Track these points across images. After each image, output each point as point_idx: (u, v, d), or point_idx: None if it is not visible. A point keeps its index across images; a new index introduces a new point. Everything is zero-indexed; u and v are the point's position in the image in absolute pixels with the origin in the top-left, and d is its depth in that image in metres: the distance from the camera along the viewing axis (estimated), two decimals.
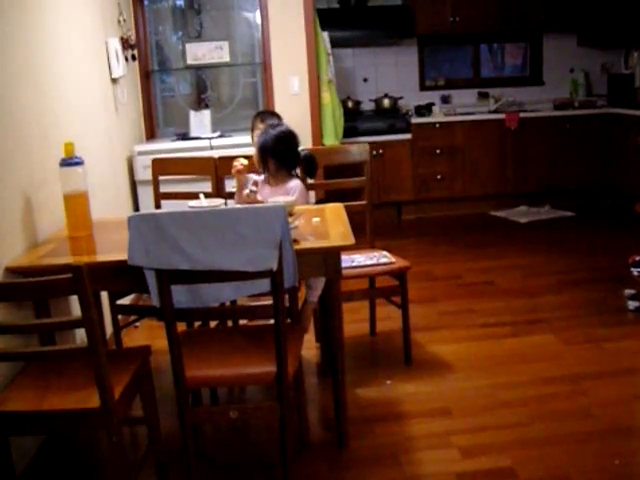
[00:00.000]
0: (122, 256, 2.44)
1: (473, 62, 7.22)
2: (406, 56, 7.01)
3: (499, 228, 6.30)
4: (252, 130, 4.08)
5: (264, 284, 2.28)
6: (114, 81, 4.51)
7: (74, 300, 2.97)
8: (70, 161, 3.00)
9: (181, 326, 2.94)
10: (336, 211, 3.18)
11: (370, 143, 3.99)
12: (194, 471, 2.46)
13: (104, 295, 3.38)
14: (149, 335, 3.95)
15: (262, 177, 3.31)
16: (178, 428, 2.75)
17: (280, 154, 3.17)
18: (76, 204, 3.04)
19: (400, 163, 6.53)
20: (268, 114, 4.21)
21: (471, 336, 3.92)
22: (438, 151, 6.56)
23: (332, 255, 2.65)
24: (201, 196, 3.22)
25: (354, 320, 3.80)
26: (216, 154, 3.96)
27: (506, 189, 6.76)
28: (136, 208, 4.78)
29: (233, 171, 3.25)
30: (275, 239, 2.19)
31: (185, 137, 5.17)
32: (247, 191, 2.98)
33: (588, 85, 7.10)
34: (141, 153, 4.74)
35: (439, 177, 6.61)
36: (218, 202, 3.19)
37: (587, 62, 7.11)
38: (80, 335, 3.23)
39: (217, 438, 3.06)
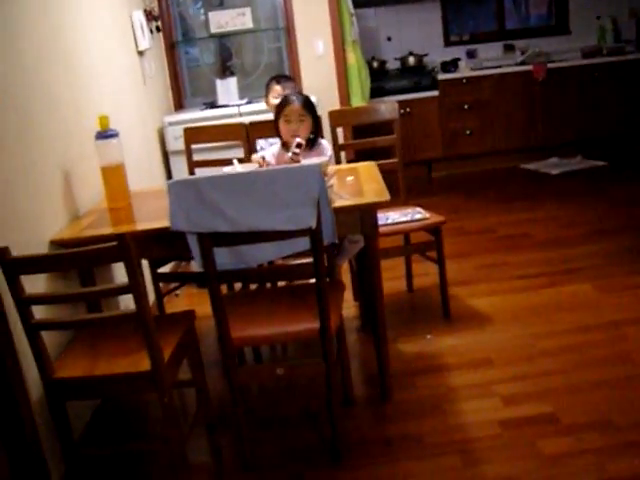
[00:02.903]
0: (161, 224, 2.51)
1: (497, 14, 7.09)
2: (429, 12, 6.91)
3: (530, 181, 6.26)
4: (267, 94, 4.09)
5: (304, 242, 2.32)
6: (140, 54, 4.55)
7: (117, 269, 3.08)
8: (105, 134, 3.05)
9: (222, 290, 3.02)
10: (369, 169, 3.20)
11: (397, 102, 3.98)
12: (245, 429, 2.53)
13: (145, 264, 3.46)
14: (189, 302, 4.04)
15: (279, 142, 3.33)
16: (222, 390, 2.87)
17: (316, 114, 3.20)
18: (113, 176, 3.10)
19: (428, 120, 6.49)
20: (284, 77, 4.22)
21: (508, 288, 3.94)
22: (466, 106, 6.50)
23: (368, 212, 2.68)
24: (235, 162, 3.25)
25: (391, 277, 3.83)
26: (246, 120, 4.00)
27: (536, 141, 6.69)
28: (169, 178, 4.84)
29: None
30: (313, 197, 2.22)
31: (213, 105, 5.19)
32: (290, 154, 2.99)
33: (616, 31, 6.94)
34: (172, 124, 4.79)
35: (468, 132, 6.56)
36: (252, 167, 3.23)
37: (614, 7, 6.94)
38: (124, 303, 3.32)
39: (263, 397, 3.15)
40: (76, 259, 2.22)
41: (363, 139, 4.17)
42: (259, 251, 2.39)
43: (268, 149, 3.48)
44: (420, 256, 3.85)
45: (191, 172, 3.79)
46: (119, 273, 3.23)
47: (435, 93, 6.45)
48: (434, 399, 2.92)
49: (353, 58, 5.45)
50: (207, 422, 2.86)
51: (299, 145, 3.03)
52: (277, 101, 4.04)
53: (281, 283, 3.25)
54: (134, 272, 2.21)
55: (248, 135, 3.68)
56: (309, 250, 2.34)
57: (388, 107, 3.78)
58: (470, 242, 4.75)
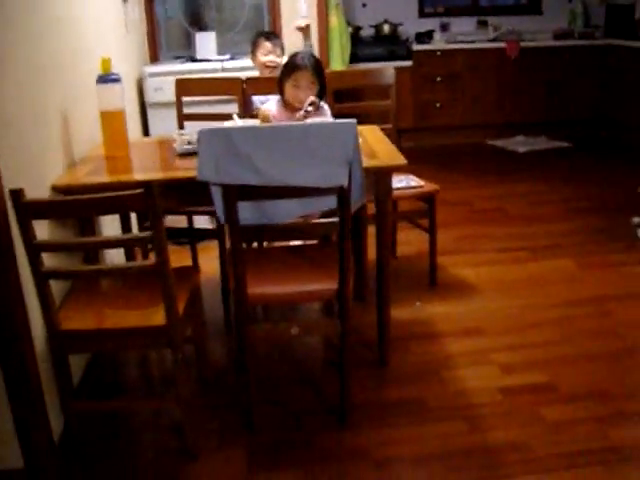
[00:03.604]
0: (158, 175, 2.43)
1: None
2: None
3: (499, 157, 6.34)
4: (254, 51, 3.98)
5: (330, 201, 2.27)
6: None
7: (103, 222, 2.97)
8: (107, 77, 2.92)
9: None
10: (374, 132, 3.17)
11: None
12: (253, 389, 2.49)
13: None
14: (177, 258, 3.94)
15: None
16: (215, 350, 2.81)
17: (324, 78, 3.11)
18: (113, 122, 2.97)
19: (400, 90, 6.40)
20: (272, 34, 4.11)
21: (491, 260, 4.00)
22: (438, 79, 6.52)
23: (384, 175, 2.65)
24: (235, 116, 3.16)
25: (374, 243, 3.82)
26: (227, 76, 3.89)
27: (503, 119, 6.77)
28: (146, 131, 4.70)
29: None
30: (347, 155, 2.17)
31: (194, 59, 5.04)
32: (302, 112, 2.91)
33: (586, 16, 7.06)
34: (152, 75, 4.63)
35: (438, 105, 6.59)
36: (253, 122, 3.15)
37: None
38: (109, 257, 3.21)
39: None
40: (100, 205, 2.12)
41: (350, 103, 4.10)
42: (283, 207, 2.33)
43: (266, 104, 3.36)
44: (408, 223, 3.85)
45: (180, 125, 3.67)
46: (106, 228, 3.13)
47: (408, 63, 6.44)
48: (431, 365, 2.94)
49: (335, 21, 5.37)
50: (203, 379, 2.81)
51: (312, 103, 2.96)
52: (266, 58, 3.95)
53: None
54: (158, 223, 2.12)
55: (244, 91, 3.57)
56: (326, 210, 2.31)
57: (386, 72, 3.74)
58: (448, 213, 4.76)
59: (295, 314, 3.41)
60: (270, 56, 3.93)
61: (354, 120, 2.21)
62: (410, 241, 4.10)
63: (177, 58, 5.40)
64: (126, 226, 3.26)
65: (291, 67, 3.09)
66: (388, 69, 3.76)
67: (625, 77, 6.41)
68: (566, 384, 2.77)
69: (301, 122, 2.62)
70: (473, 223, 4.60)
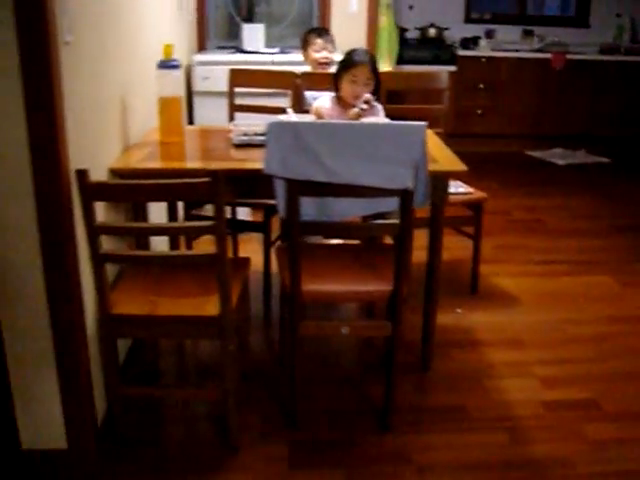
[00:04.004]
0: (222, 164, 2.44)
1: None
2: None
3: (537, 168, 6.30)
4: (305, 47, 3.97)
5: (392, 202, 2.25)
6: None
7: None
8: (168, 63, 2.91)
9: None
10: (431, 137, 3.13)
11: None
12: (298, 384, 2.48)
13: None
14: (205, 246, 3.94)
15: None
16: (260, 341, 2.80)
17: (378, 75, 3.10)
18: (170, 109, 2.96)
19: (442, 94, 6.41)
20: (324, 30, 4.10)
21: (529, 271, 3.97)
22: (481, 86, 6.48)
23: (442, 180, 2.63)
24: (289, 110, 3.15)
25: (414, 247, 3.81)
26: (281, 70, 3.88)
27: (542, 130, 6.72)
28: (190, 120, 4.70)
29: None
30: (414, 157, 2.16)
31: (243, 51, 5.03)
32: (357, 109, 2.90)
33: (633, 31, 6.99)
34: (201, 63, 4.63)
35: (479, 112, 6.54)
36: (308, 117, 3.14)
37: (635, 7, 6.97)
38: (154, 244, 3.22)
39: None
40: (166, 191, 2.12)
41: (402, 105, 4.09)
42: (345, 206, 2.32)
43: (319, 99, 3.34)
44: (451, 229, 3.83)
45: (231, 116, 3.66)
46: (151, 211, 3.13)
47: (453, 68, 6.39)
48: (473, 373, 2.93)
49: (385, 21, 5.35)
50: (243, 375, 2.81)
51: (367, 102, 2.94)
52: (319, 55, 3.94)
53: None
54: (221, 212, 2.12)
55: (298, 85, 3.56)
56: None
57: (440, 75, 3.73)
58: (485, 221, 4.72)
59: (332, 312, 3.41)
60: (323, 52, 3.92)
61: (424, 123, 2.20)
62: (449, 247, 4.02)
63: (220, 48, 5.39)
64: (173, 213, 3.27)
65: (350, 62, 3.07)
66: (442, 72, 3.75)
67: None
68: (609, 402, 2.74)
69: (371, 122, 2.59)
70: (511, 233, 4.57)
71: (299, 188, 2.21)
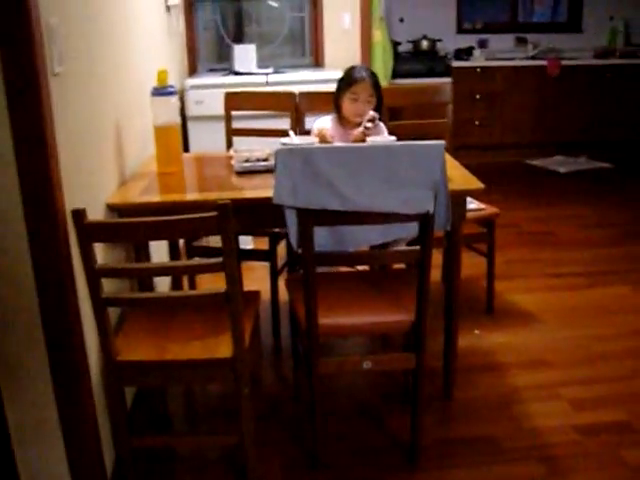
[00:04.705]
0: (225, 194, 2.34)
1: (510, 6, 6.96)
2: None
3: (540, 177, 6.17)
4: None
5: (412, 227, 2.12)
6: (168, 9, 4.24)
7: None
8: (163, 90, 2.78)
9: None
10: None
11: None
12: (319, 424, 2.33)
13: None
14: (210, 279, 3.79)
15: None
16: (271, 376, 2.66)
17: (381, 93, 2.97)
18: (167, 137, 2.84)
19: (438, 107, 6.31)
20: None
21: (545, 286, 3.83)
22: (478, 96, 6.37)
23: (459, 199, 2.50)
24: (291, 133, 3.02)
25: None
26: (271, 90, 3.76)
27: (541, 137, 6.61)
28: (186, 146, 4.56)
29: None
30: (434, 179, 2.03)
31: (235, 72, 4.91)
32: (361, 128, 2.77)
33: (627, 34, 6.90)
34: (193, 87, 4.50)
35: (477, 123, 6.43)
36: (311, 140, 3.00)
37: (628, 10, 6.89)
38: (156, 279, 3.06)
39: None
40: (169, 229, 1.97)
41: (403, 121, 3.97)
42: (361, 234, 2.18)
43: (319, 121, 3.20)
44: (463, 247, 3.69)
45: (229, 140, 3.53)
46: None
47: (448, 80, 6.27)
48: (498, 399, 2.78)
49: (379, 36, 5.25)
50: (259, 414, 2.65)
51: (372, 119, 2.82)
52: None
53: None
54: (230, 247, 1.98)
55: (297, 107, 3.43)
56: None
57: (443, 89, 3.62)
58: (497, 235, 4.60)
59: (343, 341, 3.26)
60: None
61: (442, 142, 2.06)
62: (461, 265, 3.92)
63: (212, 70, 5.28)
64: (174, 247, 3.12)
65: (349, 80, 2.96)
66: (444, 85, 3.66)
67: None
68: None
69: (387, 143, 2.47)
70: (522, 246, 4.43)
71: (313, 218, 2.07)
